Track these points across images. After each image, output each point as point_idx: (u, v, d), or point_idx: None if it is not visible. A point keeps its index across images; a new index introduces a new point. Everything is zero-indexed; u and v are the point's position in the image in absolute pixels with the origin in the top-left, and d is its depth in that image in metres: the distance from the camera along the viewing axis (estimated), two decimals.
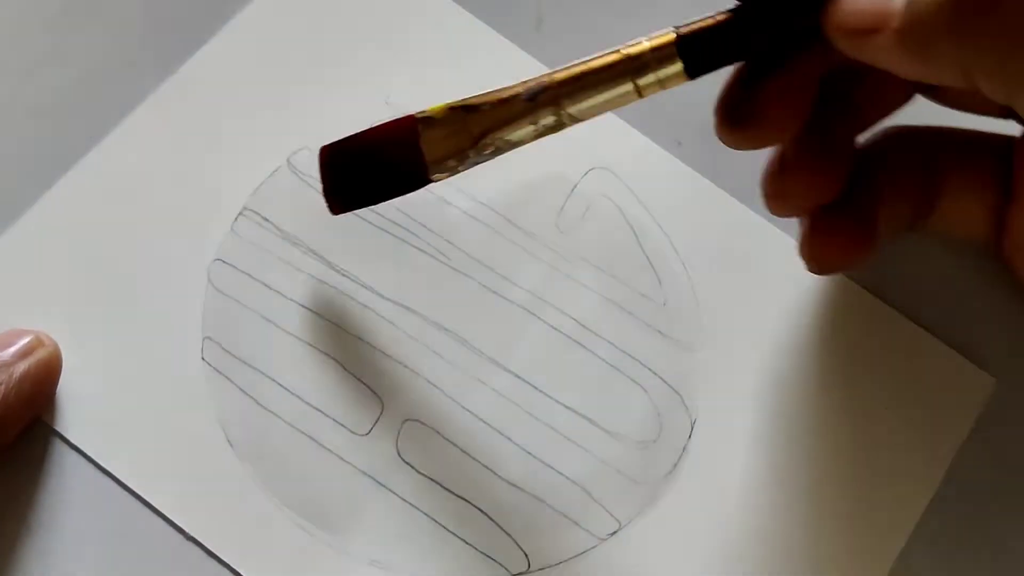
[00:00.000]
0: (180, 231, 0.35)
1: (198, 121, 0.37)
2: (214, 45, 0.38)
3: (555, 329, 0.36)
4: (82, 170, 0.36)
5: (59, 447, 0.33)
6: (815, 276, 0.36)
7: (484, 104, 0.31)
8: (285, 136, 0.37)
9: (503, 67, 0.39)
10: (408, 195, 0.36)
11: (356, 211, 0.35)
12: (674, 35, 0.29)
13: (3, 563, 0.32)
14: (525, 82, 0.31)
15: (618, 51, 0.29)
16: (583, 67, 0.30)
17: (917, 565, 0.34)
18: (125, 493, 0.32)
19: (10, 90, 0.37)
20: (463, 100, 0.31)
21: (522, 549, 0.33)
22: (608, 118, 0.38)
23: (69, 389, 0.33)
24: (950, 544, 0.34)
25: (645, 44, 0.29)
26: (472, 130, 0.31)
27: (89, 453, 0.33)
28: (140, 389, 0.34)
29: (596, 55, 0.30)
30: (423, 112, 0.32)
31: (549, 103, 0.30)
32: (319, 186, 0.36)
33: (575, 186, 0.37)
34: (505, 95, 0.31)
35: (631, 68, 0.29)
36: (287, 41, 0.38)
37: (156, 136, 0.37)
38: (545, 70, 0.38)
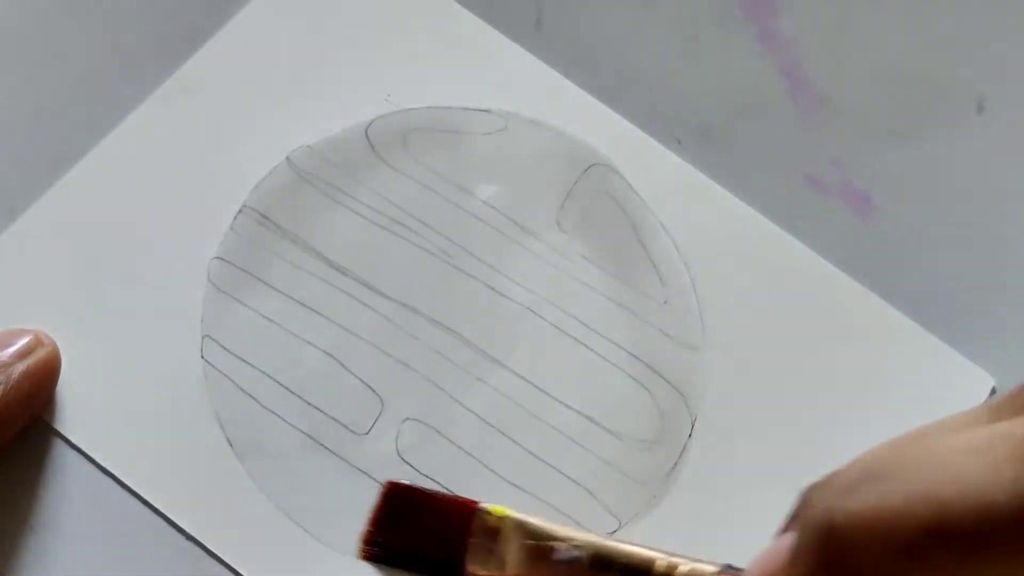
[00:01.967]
0: (179, 229, 0.35)
1: (198, 120, 0.37)
2: (214, 44, 0.38)
3: (556, 328, 0.35)
4: (82, 170, 0.36)
5: (59, 446, 0.33)
6: (816, 275, 0.36)
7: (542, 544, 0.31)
8: (285, 134, 0.37)
9: (503, 66, 0.39)
10: (409, 192, 0.36)
11: (357, 211, 0.35)
12: None
13: (3, 563, 0.31)
14: (572, 541, 0.30)
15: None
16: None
17: None
18: (125, 492, 0.32)
19: (10, 90, 0.37)
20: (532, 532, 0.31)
21: None
22: (608, 116, 0.38)
23: (69, 388, 0.33)
24: None
25: None
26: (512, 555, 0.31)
27: (89, 452, 0.33)
28: (140, 388, 0.33)
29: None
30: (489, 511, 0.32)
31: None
32: (319, 183, 0.36)
33: (576, 183, 0.37)
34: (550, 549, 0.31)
35: None
36: (287, 39, 0.38)
37: (156, 135, 0.36)
38: (546, 69, 0.39)
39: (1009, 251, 0.38)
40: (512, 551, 0.31)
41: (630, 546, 0.30)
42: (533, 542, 0.31)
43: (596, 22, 0.39)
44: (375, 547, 0.32)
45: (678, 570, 0.27)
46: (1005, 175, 0.39)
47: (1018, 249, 0.38)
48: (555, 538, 0.31)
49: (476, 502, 0.32)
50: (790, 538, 0.23)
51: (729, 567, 0.26)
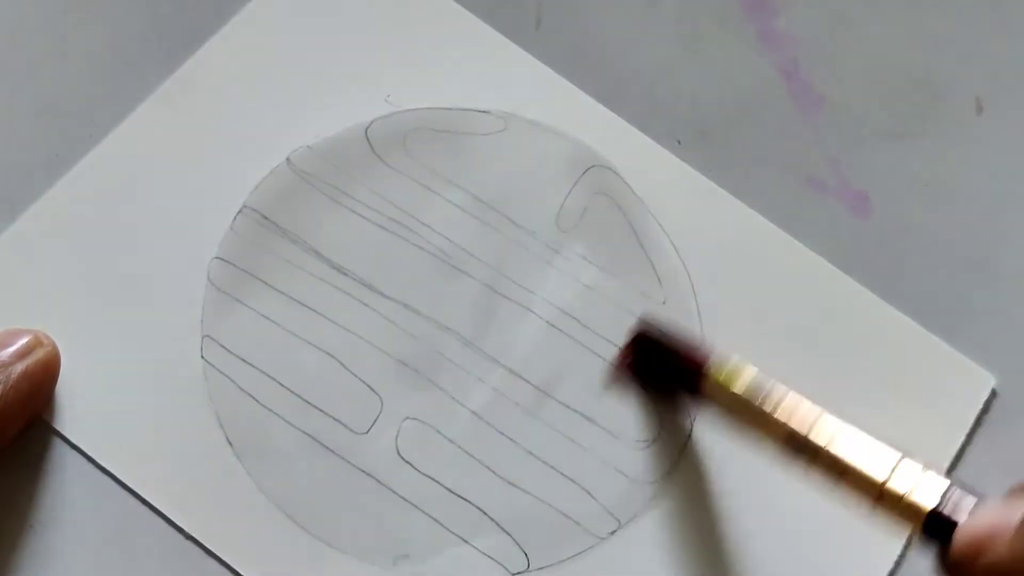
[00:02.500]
0: (180, 229, 0.35)
1: (198, 120, 0.37)
2: (214, 44, 0.38)
3: (555, 327, 0.35)
4: (82, 169, 0.36)
5: (59, 446, 0.33)
6: (815, 275, 0.36)
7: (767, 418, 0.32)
8: (285, 134, 0.37)
9: (503, 66, 0.39)
10: (408, 192, 0.36)
11: (357, 211, 0.35)
12: (933, 504, 0.28)
13: (3, 562, 0.32)
14: (798, 435, 0.31)
15: (881, 483, 0.29)
16: (850, 462, 0.30)
17: (917, 565, 0.34)
18: (125, 492, 0.32)
19: (10, 89, 0.37)
20: (759, 402, 0.32)
21: (521, 548, 0.33)
22: (608, 117, 0.38)
23: (69, 388, 0.33)
24: None
25: (906, 487, 0.28)
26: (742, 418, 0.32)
27: (88, 452, 0.33)
28: (139, 388, 0.33)
29: (868, 452, 0.30)
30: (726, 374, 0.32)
31: (806, 452, 0.31)
32: (319, 183, 0.36)
33: (575, 184, 0.37)
34: (787, 427, 0.31)
35: (881, 494, 0.29)
36: (287, 39, 0.38)
37: (156, 135, 0.37)
38: (545, 69, 0.39)
39: (1008, 250, 0.38)
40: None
41: (847, 454, 0.29)
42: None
43: (596, 22, 0.40)
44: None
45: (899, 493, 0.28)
46: (1004, 174, 0.39)
47: (1017, 248, 0.38)
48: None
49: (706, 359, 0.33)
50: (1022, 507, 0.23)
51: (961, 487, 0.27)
